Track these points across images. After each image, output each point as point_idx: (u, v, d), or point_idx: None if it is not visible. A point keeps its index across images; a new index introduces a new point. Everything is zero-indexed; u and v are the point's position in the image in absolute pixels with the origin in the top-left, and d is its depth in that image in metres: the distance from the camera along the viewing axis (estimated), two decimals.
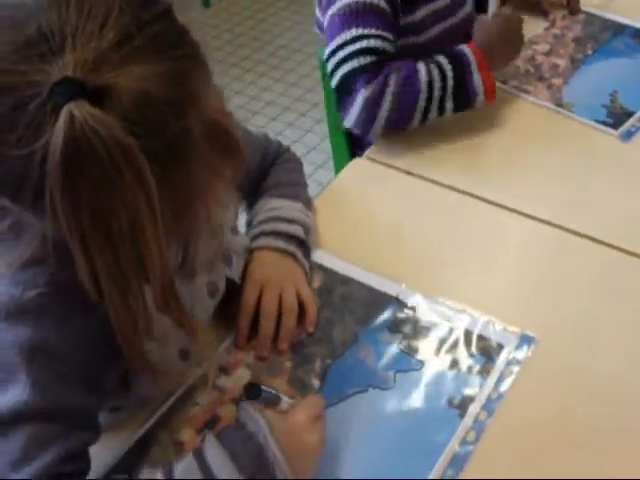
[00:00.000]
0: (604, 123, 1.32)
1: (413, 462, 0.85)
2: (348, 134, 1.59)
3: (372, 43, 1.24)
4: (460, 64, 1.24)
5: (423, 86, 1.22)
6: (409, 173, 1.25)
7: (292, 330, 0.97)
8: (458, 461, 0.84)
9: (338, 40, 1.25)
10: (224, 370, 0.94)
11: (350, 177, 1.27)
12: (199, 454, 0.76)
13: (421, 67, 1.23)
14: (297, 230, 1.04)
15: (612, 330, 0.98)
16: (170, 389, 0.91)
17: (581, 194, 1.20)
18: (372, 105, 1.22)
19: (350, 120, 1.26)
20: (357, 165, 1.29)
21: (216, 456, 0.76)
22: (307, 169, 1.20)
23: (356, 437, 0.87)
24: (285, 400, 0.81)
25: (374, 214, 1.18)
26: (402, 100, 1.22)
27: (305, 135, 2.89)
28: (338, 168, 1.51)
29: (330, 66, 1.27)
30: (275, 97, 3.16)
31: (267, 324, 0.96)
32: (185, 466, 0.75)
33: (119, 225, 0.60)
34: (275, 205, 1.07)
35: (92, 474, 0.80)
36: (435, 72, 1.23)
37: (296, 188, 1.13)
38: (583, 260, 1.09)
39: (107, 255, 0.61)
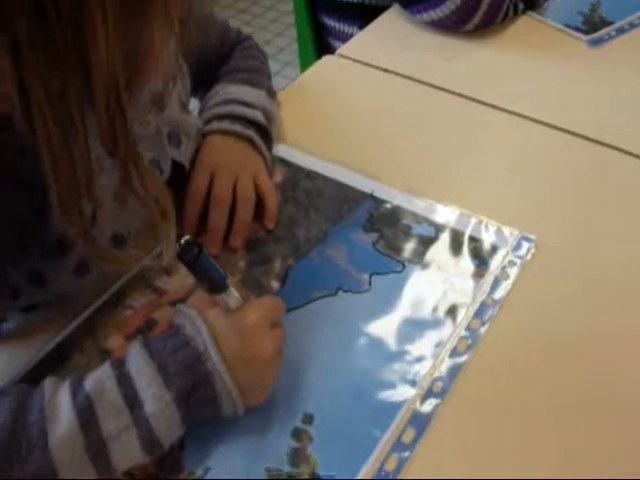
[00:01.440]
0: (576, 29, 1.20)
1: (393, 374, 0.69)
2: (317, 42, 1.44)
3: None
4: None
5: None
6: (385, 70, 1.09)
7: (247, 223, 0.80)
8: (447, 373, 0.69)
9: None
10: (165, 269, 0.78)
11: (319, 73, 1.11)
12: (119, 364, 0.60)
13: None
14: (257, 115, 0.88)
15: (615, 231, 0.83)
16: (98, 287, 0.74)
17: (558, 94, 1.06)
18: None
19: (442, 11, 1.12)
20: (328, 61, 1.14)
21: (139, 368, 0.59)
22: None
23: (323, 346, 0.72)
24: (233, 294, 0.64)
25: (346, 110, 1.02)
26: None
27: (273, 78, 2.71)
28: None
29: None
30: None
31: (218, 213, 0.80)
32: (97, 378, 0.58)
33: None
34: (233, 89, 0.91)
35: None
36: None
37: (259, 76, 0.97)
38: (572, 157, 0.94)
39: (39, 52, 0.44)
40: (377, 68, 1.10)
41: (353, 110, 1.01)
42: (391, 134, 0.97)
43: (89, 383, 0.58)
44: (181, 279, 0.76)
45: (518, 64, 1.11)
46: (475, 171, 0.91)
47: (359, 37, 1.18)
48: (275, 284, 0.77)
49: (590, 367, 0.70)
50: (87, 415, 0.56)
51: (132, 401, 0.57)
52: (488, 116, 1.00)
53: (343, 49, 1.15)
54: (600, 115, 1.00)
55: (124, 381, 0.58)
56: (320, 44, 1.48)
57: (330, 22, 1.39)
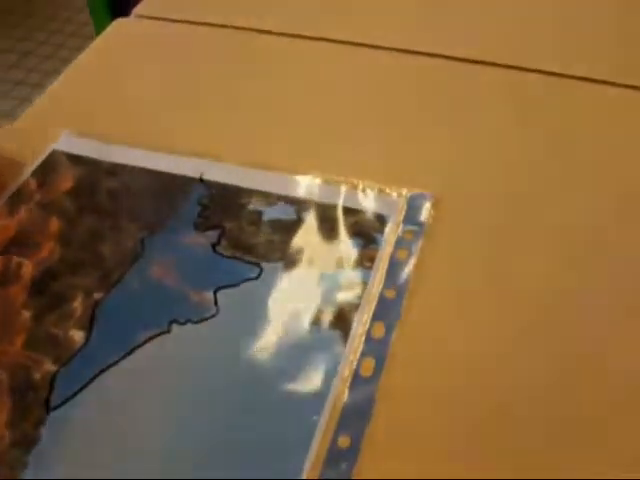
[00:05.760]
0: None
1: (275, 434, 0.45)
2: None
3: None
4: None
5: None
6: (190, 22, 0.84)
7: None
8: (354, 418, 0.45)
9: None
10: None
11: (112, 40, 0.85)
12: None
13: None
14: None
15: (532, 168, 0.62)
16: None
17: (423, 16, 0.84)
18: None
19: None
20: (121, 26, 0.87)
21: None
22: None
23: (164, 415, 0.46)
24: None
25: (149, 80, 0.77)
26: None
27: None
28: None
29: None
30: None
31: None
32: None
33: None
34: None
35: None
36: None
37: None
38: (448, 85, 0.72)
39: None
40: (184, 22, 0.84)
41: (160, 79, 0.76)
42: (214, 98, 0.73)
43: None
44: None
45: None
46: (332, 126, 0.68)
47: None
48: (78, 335, 0.51)
49: (555, 353, 0.48)
50: None
51: None
52: (337, 53, 0.77)
53: (140, 8, 0.89)
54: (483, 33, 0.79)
55: None
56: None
57: None
